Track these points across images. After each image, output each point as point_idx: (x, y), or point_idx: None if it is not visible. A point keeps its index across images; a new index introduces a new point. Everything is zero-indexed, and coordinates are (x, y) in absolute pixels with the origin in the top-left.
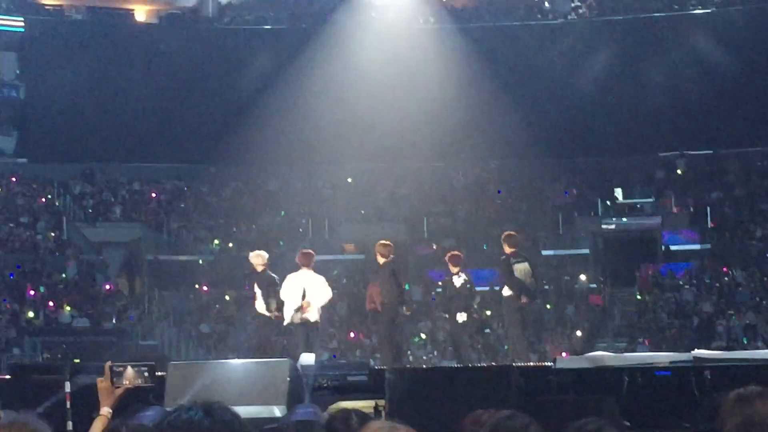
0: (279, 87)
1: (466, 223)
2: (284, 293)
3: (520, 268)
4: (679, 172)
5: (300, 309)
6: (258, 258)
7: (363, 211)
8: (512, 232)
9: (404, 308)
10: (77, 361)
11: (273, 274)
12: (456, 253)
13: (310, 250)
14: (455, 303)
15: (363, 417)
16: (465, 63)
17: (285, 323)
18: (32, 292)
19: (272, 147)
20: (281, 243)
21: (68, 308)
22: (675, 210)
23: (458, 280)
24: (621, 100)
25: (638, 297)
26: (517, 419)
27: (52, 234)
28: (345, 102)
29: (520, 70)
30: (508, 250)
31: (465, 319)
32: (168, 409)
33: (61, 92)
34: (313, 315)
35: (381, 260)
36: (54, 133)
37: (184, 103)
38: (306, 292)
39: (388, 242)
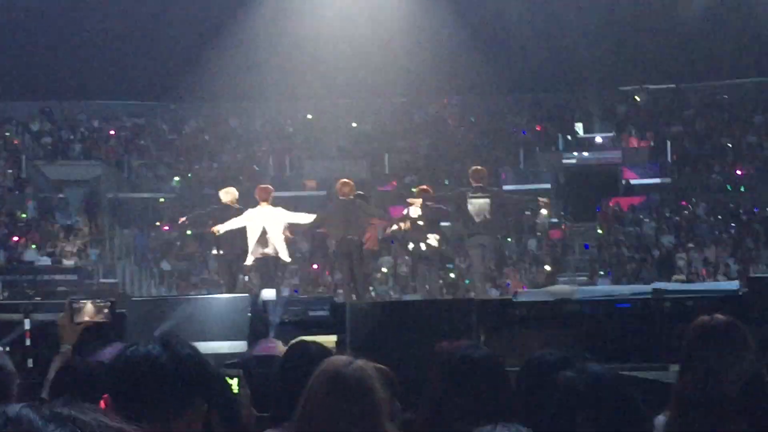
0: (239, 22)
1: (427, 159)
2: (245, 229)
3: (477, 203)
4: (639, 105)
5: (260, 243)
6: (228, 195)
7: (324, 148)
8: (478, 167)
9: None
10: (38, 299)
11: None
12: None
13: (268, 185)
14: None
15: (321, 349)
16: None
17: (247, 260)
18: None
19: (232, 84)
20: (241, 179)
21: (33, 246)
22: (635, 144)
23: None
24: (583, 34)
25: (599, 231)
26: (476, 349)
27: (11, 172)
28: (305, 38)
29: (482, 5)
30: (472, 183)
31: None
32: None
33: (17, 28)
34: (274, 250)
35: (341, 198)
36: (11, 71)
37: (142, 38)
38: (266, 228)
39: (348, 180)
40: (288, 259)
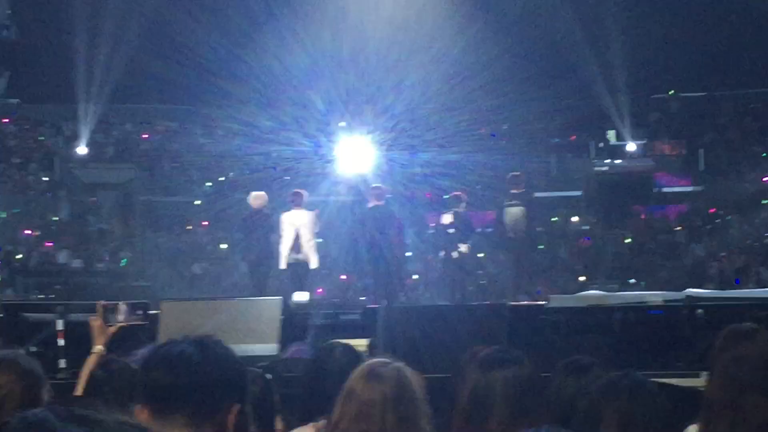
0: (272, 28)
1: (458, 165)
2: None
3: (512, 212)
4: (671, 113)
5: (294, 248)
6: (258, 200)
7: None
8: (516, 173)
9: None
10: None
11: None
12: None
13: (301, 190)
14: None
15: (351, 351)
16: (458, 3)
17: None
18: (28, 232)
19: (263, 88)
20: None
21: (66, 249)
22: (667, 152)
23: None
24: (616, 40)
25: (630, 239)
26: (508, 353)
27: (44, 176)
28: (333, 43)
29: (512, 11)
30: (510, 190)
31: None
32: None
33: (54, 32)
34: (306, 255)
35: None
36: (46, 74)
37: (175, 42)
38: (299, 233)
39: (378, 185)
40: (316, 265)
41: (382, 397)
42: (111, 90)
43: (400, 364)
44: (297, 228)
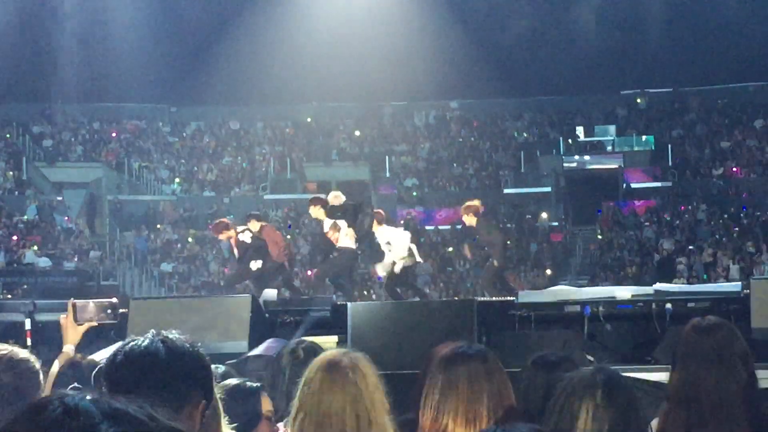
0: (241, 25)
1: (428, 162)
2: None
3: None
4: (639, 110)
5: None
6: (337, 199)
7: (325, 151)
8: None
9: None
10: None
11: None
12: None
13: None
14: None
15: (312, 349)
16: (428, 2)
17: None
18: None
19: (233, 87)
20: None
21: (34, 248)
22: (636, 148)
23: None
24: (585, 38)
25: (599, 235)
26: (471, 348)
27: (12, 174)
28: (306, 42)
29: (481, 9)
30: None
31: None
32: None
33: (21, 30)
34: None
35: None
36: (13, 73)
37: (143, 42)
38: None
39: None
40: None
41: (340, 384)
42: (79, 89)
43: (358, 355)
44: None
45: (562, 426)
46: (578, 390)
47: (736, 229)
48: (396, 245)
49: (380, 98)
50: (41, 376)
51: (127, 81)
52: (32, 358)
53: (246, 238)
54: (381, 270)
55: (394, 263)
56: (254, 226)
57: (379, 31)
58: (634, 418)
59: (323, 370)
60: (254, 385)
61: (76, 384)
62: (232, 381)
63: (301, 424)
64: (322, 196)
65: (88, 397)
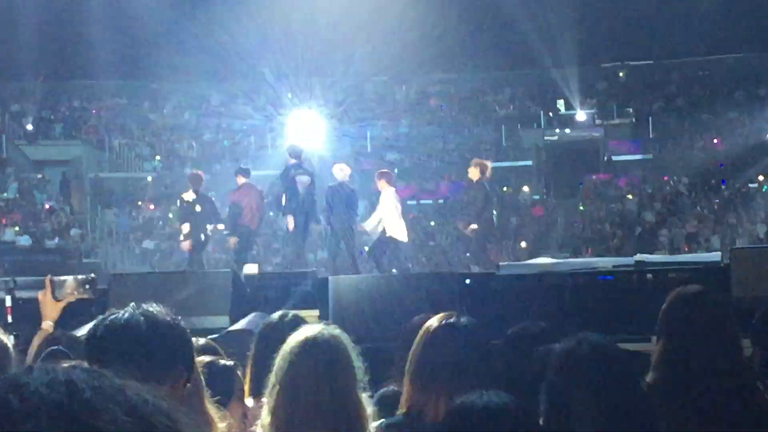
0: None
1: (409, 137)
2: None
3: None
4: (620, 82)
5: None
6: (342, 171)
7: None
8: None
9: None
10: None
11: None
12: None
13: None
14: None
15: (298, 321)
16: None
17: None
18: None
19: (212, 62)
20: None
21: (16, 228)
22: (617, 120)
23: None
24: (563, 10)
25: (581, 208)
26: (458, 318)
27: None
28: (283, 16)
29: None
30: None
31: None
32: None
33: None
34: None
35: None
36: None
37: (120, 15)
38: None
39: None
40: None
41: (317, 360)
42: (58, 66)
43: (335, 329)
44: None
45: (556, 401)
46: (565, 363)
47: (717, 201)
48: (389, 209)
49: (361, 73)
50: (10, 350)
51: (105, 58)
52: (0, 333)
53: (187, 197)
54: (369, 226)
55: (380, 221)
56: (240, 181)
57: (359, 5)
58: (630, 384)
59: (299, 344)
60: (228, 363)
61: (60, 347)
62: (206, 358)
63: (276, 398)
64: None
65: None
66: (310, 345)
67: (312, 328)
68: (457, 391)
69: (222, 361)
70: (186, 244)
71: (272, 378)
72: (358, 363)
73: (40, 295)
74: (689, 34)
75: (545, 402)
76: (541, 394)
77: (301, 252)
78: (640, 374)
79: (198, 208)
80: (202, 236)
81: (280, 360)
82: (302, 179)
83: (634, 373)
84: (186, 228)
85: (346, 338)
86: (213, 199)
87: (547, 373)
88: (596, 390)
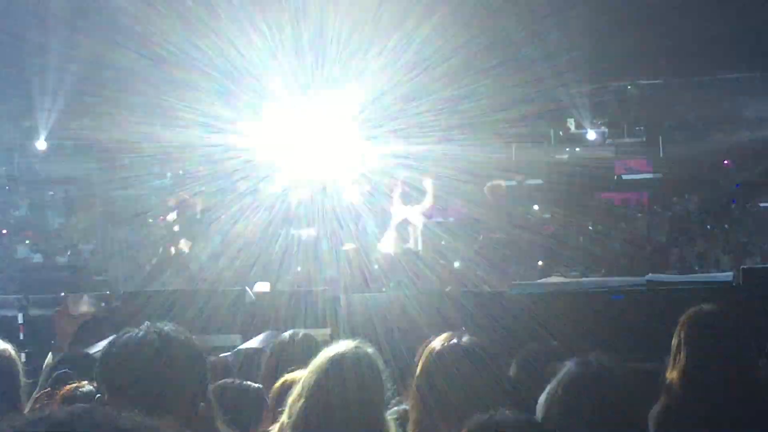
0: (232, 26)
1: (419, 156)
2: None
3: None
4: (630, 101)
5: None
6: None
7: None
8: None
9: None
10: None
11: None
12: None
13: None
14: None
15: (307, 340)
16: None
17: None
18: None
19: (222, 79)
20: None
21: (27, 242)
22: (627, 139)
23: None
24: (574, 29)
25: (591, 227)
26: (460, 338)
27: (3, 169)
28: (293, 32)
29: (469, 2)
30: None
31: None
32: None
33: (8, 24)
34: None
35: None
36: (3, 67)
37: (139, 37)
38: None
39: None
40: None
41: (349, 384)
42: (69, 83)
43: (367, 350)
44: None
45: (562, 422)
46: (570, 384)
47: (727, 220)
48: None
49: (371, 91)
50: (19, 366)
51: (116, 73)
52: (9, 348)
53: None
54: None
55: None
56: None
57: (370, 22)
58: (631, 407)
59: (329, 360)
60: (256, 386)
61: (67, 370)
62: (235, 381)
63: (302, 412)
64: None
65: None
66: (339, 362)
67: (344, 344)
68: (464, 411)
69: (251, 384)
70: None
71: (298, 390)
72: (387, 384)
73: (56, 312)
74: (700, 52)
75: (555, 421)
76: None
77: (310, 270)
78: (651, 395)
79: (176, 228)
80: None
81: (309, 374)
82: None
83: (643, 394)
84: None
85: (378, 358)
86: (198, 217)
87: (557, 392)
88: (605, 410)
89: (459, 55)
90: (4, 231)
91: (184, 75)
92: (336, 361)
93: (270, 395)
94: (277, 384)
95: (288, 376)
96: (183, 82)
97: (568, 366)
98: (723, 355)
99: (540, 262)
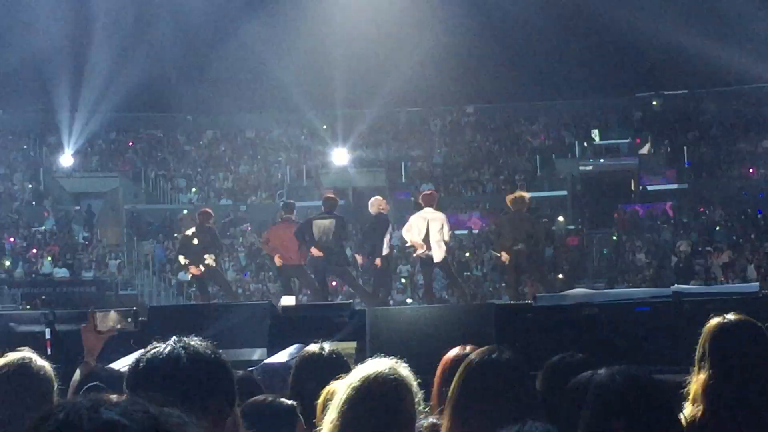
0: (254, 32)
1: (444, 168)
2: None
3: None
4: (655, 112)
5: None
6: (374, 206)
7: (340, 158)
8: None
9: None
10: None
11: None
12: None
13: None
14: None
15: (334, 354)
16: (442, 6)
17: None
18: (12, 239)
19: (248, 95)
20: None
21: (49, 258)
22: (652, 150)
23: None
24: (598, 41)
25: (615, 238)
26: (501, 353)
27: (29, 185)
28: (320, 48)
29: (499, 14)
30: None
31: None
32: None
33: (36, 42)
34: (435, 253)
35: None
36: (30, 84)
37: (158, 51)
38: (429, 228)
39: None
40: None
41: (386, 406)
42: (95, 100)
43: (403, 371)
44: (427, 223)
45: (593, 428)
46: (602, 394)
47: (753, 230)
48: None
49: (396, 104)
50: (53, 383)
51: (142, 91)
52: (46, 365)
53: (188, 231)
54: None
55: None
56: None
57: (393, 37)
58: (667, 416)
59: (363, 379)
60: (287, 402)
61: (97, 383)
62: (268, 397)
63: (335, 430)
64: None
65: (97, 404)
66: (373, 382)
67: (380, 363)
68: (497, 424)
69: (283, 401)
70: (193, 269)
71: (333, 411)
72: (420, 406)
73: (83, 328)
74: (724, 63)
75: None
76: (579, 426)
77: (325, 284)
78: (678, 406)
79: (195, 241)
80: (201, 267)
81: (343, 393)
82: (320, 223)
83: (671, 405)
84: (182, 260)
85: (411, 378)
86: (216, 232)
87: (585, 404)
88: (633, 422)
89: (485, 67)
90: (33, 248)
91: None
92: (373, 382)
93: (317, 404)
94: (323, 395)
95: (331, 387)
96: None
97: (599, 376)
98: (747, 366)
99: (560, 275)
